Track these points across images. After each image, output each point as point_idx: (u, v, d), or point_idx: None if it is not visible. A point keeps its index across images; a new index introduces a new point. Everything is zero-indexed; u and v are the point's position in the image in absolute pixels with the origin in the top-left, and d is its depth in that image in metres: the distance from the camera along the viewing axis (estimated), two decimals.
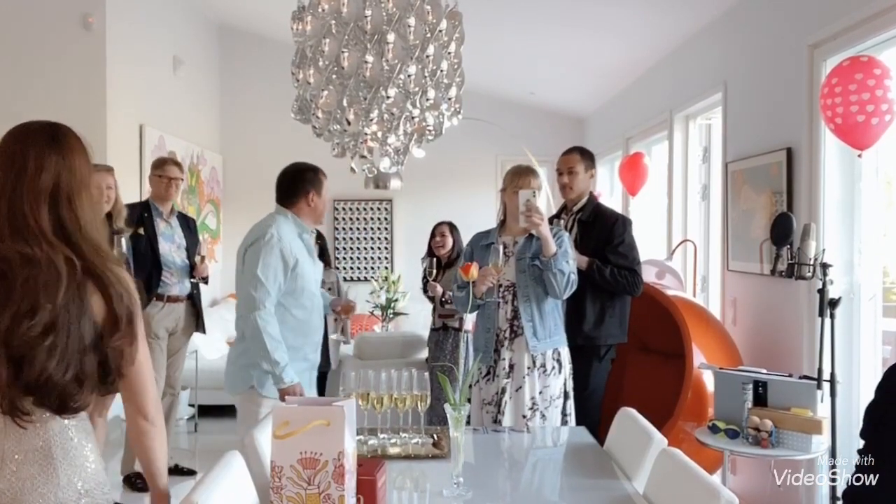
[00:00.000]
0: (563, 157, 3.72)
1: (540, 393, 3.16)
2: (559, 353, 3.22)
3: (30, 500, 1.47)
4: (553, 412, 3.17)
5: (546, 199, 3.25)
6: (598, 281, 3.48)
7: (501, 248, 3.12)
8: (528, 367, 3.17)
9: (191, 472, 4.43)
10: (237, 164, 8.10)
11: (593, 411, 3.49)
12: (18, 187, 1.53)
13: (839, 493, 2.82)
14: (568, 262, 3.15)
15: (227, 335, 7.01)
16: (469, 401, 3.16)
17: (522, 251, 3.23)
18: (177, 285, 4.32)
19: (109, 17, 5.33)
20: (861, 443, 1.83)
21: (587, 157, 3.73)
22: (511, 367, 3.18)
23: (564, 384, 3.23)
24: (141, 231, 4.25)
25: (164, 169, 4.39)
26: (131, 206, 4.31)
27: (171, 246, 4.34)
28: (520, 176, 3.26)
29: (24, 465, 1.49)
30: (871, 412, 1.72)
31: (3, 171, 1.55)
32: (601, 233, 3.56)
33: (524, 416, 3.14)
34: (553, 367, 3.19)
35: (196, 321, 4.50)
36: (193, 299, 4.45)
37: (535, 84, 7.53)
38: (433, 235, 4.94)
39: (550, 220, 3.65)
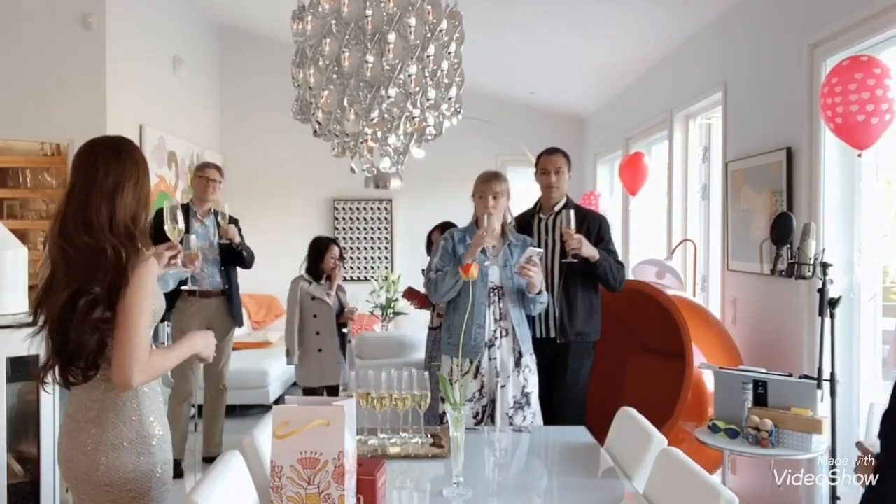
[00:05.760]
0: (550, 157, 3.73)
1: (527, 391, 3.29)
2: (530, 351, 3.36)
3: (85, 438, 1.87)
4: (534, 407, 3.31)
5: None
6: (602, 273, 3.53)
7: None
8: (513, 368, 3.28)
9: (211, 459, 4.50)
10: (237, 164, 8.09)
11: (582, 403, 3.63)
12: (88, 189, 1.88)
13: (839, 493, 2.82)
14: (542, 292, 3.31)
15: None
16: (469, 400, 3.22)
17: (506, 257, 3.33)
18: (207, 280, 4.56)
19: (109, 17, 5.32)
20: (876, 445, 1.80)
21: (568, 157, 3.79)
22: (501, 365, 3.28)
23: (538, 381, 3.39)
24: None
25: (203, 171, 4.76)
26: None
27: (202, 244, 4.54)
28: (485, 182, 3.38)
29: (89, 412, 1.89)
30: (886, 421, 1.70)
31: (76, 178, 1.93)
32: (591, 230, 3.59)
33: (507, 415, 3.23)
34: (531, 366, 3.34)
35: (232, 315, 4.72)
36: (228, 293, 4.67)
37: (535, 84, 7.52)
38: (430, 242, 4.91)
39: (526, 220, 3.75)
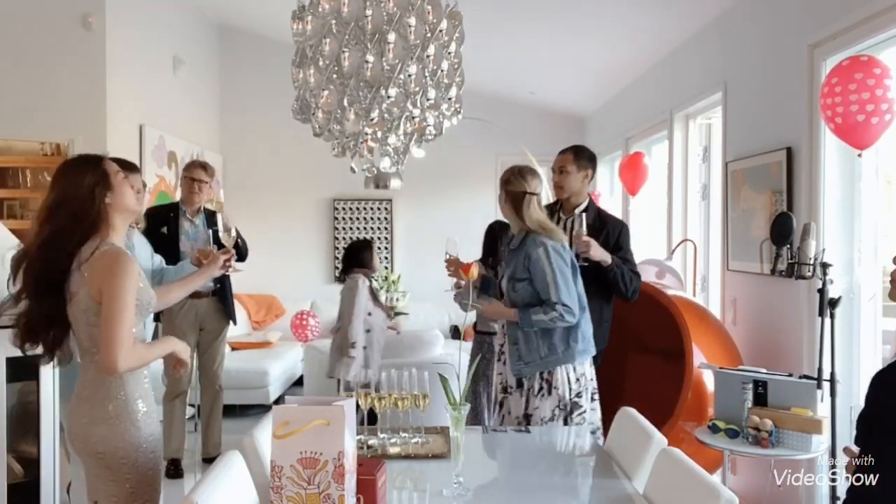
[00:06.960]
0: (558, 157, 3.69)
1: (530, 414, 3.05)
2: (551, 374, 3.04)
3: (81, 412, 2.16)
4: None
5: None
6: (613, 279, 3.40)
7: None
8: (512, 386, 3.10)
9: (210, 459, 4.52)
10: (237, 164, 8.09)
11: None
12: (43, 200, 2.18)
13: (839, 493, 2.82)
14: (557, 304, 2.99)
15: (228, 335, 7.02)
16: (467, 400, 3.16)
17: (505, 269, 3.18)
18: None
19: (109, 17, 5.32)
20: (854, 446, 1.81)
21: (582, 157, 3.63)
22: (505, 380, 3.13)
23: (558, 407, 3.05)
24: (164, 230, 4.48)
25: (189, 171, 4.63)
26: (161, 207, 4.71)
27: (192, 244, 4.47)
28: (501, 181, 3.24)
29: (84, 391, 2.18)
30: (862, 422, 1.70)
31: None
32: (609, 238, 3.50)
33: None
34: (541, 389, 3.04)
35: (225, 314, 4.71)
36: (220, 294, 4.64)
37: (535, 84, 7.52)
38: (487, 238, 4.75)
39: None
